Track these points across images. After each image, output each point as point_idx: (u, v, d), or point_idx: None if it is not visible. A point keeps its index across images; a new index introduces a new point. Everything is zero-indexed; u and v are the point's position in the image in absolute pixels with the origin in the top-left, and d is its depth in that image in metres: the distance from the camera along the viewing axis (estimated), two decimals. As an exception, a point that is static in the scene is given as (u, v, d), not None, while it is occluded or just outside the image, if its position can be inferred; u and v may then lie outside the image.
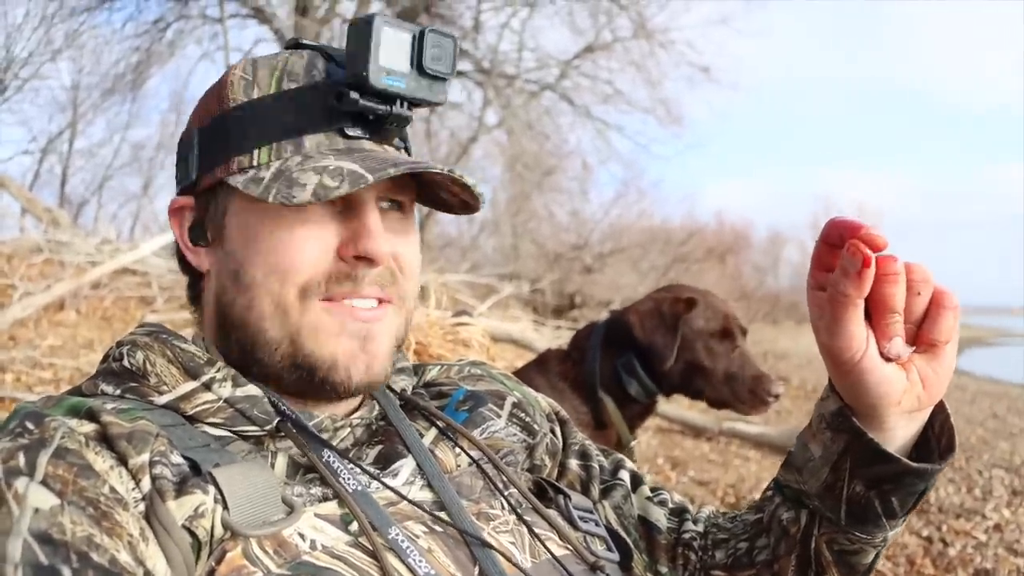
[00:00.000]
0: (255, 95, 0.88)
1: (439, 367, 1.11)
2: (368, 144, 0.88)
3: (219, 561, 0.72)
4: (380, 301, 0.89)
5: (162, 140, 17.84)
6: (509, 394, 1.08)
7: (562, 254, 17.13)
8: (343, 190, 0.80)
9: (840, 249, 0.77)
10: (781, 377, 2.47)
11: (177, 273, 0.97)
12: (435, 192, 0.94)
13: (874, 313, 0.80)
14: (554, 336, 10.19)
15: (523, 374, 2.40)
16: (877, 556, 0.94)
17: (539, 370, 2.45)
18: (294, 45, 0.93)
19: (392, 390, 0.99)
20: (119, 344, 0.90)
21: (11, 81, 14.50)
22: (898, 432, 0.86)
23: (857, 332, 0.80)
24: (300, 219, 0.85)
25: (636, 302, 2.48)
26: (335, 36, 13.78)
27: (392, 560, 0.77)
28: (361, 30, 0.84)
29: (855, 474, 0.88)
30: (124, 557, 0.67)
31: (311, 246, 0.85)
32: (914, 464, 0.84)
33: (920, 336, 0.81)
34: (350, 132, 0.87)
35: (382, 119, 0.87)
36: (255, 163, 0.86)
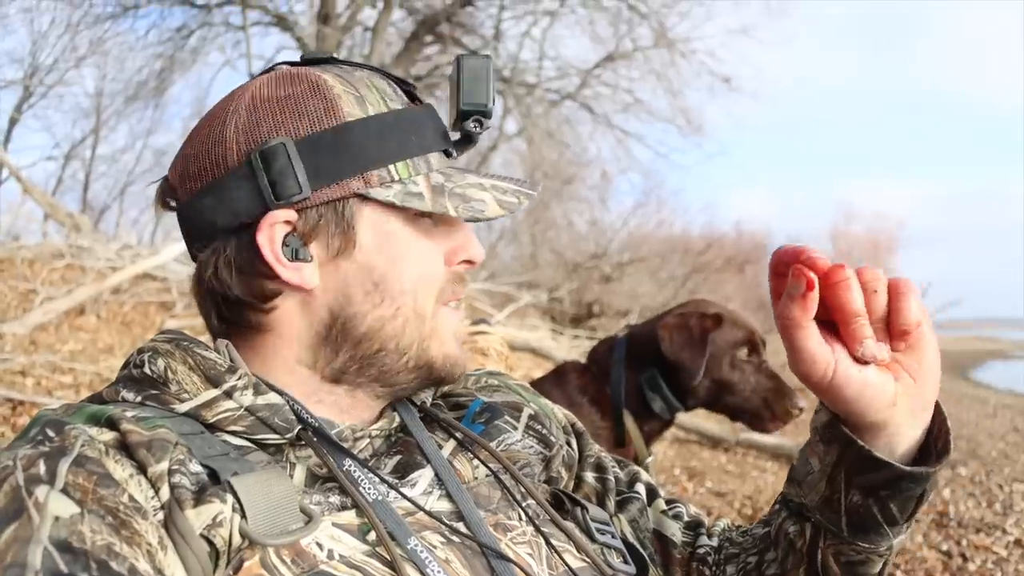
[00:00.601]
0: (370, 111, 0.89)
1: None
2: (457, 164, 0.97)
3: (237, 570, 0.72)
4: None
5: (184, 147, 17.95)
6: (526, 406, 1.08)
7: (581, 263, 17.10)
8: (524, 204, 0.93)
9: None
10: (800, 388, 2.46)
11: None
12: None
13: (840, 324, 0.82)
14: (572, 345, 10.19)
15: (540, 386, 2.39)
16: (885, 564, 0.93)
17: (557, 383, 2.45)
18: (313, 60, 0.94)
19: (412, 401, 1.00)
20: (140, 351, 0.90)
21: (36, 87, 14.69)
22: (904, 434, 0.86)
23: (819, 351, 0.81)
24: (425, 232, 0.92)
25: (660, 317, 2.47)
26: (356, 44, 13.87)
27: (410, 571, 0.77)
28: (480, 68, 0.93)
29: (851, 483, 0.88)
30: (143, 566, 0.67)
31: (437, 256, 0.93)
32: (907, 468, 0.84)
33: (891, 330, 0.83)
34: (451, 153, 0.95)
35: (469, 142, 0.96)
36: (395, 178, 0.88)
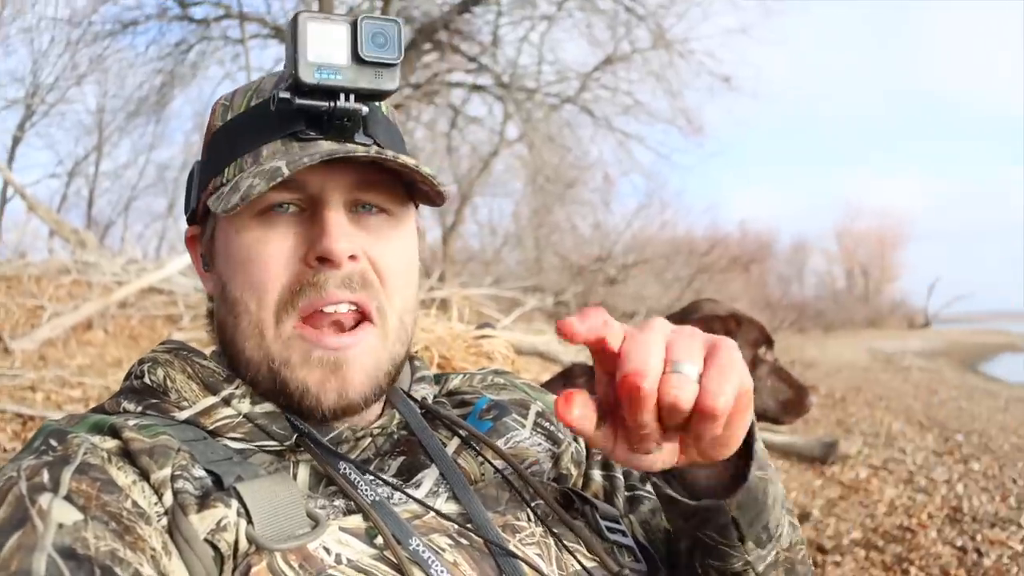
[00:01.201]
0: (229, 117, 0.90)
1: (461, 376, 1.10)
2: (325, 144, 0.86)
3: (244, 575, 0.72)
4: (359, 310, 0.86)
5: (186, 160, 17.98)
6: (533, 403, 1.07)
7: (585, 266, 17.11)
8: (259, 188, 0.79)
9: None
10: (810, 386, 2.45)
11: (203, 291, 0.98)
12: (416, 186, 0.90)
13: (623, 418, 0.70)
14: (579, 348, 10.16)
15: (549, 388, 2.36)
16: (763, 571, 0.89)
17: (566, 385, 2.41)
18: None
19: (413, 399, 0.99)
20: (140, 362, 0.91)
21: (38, 106, 14.74)
22: (698, 475, 0.83)
23: (598, 441, 0.71)
24: (267, 231, 0.85)
25: (674, 317, 2.44)
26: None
27: (416, 573, 0.77)
28: (289, 30, 0.82)
29: (670, 516, 0.90)
30: (147, 571, 0.67)
31: (277, 257, 0.85)
32: (692, 503, 0.81)
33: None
34: (304, 135, 0.86)
35: (332, 116, 0.84)
36: (223, 180, 0.87)
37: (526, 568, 0.83)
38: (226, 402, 0.86)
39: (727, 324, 2.34)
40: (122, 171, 18.40)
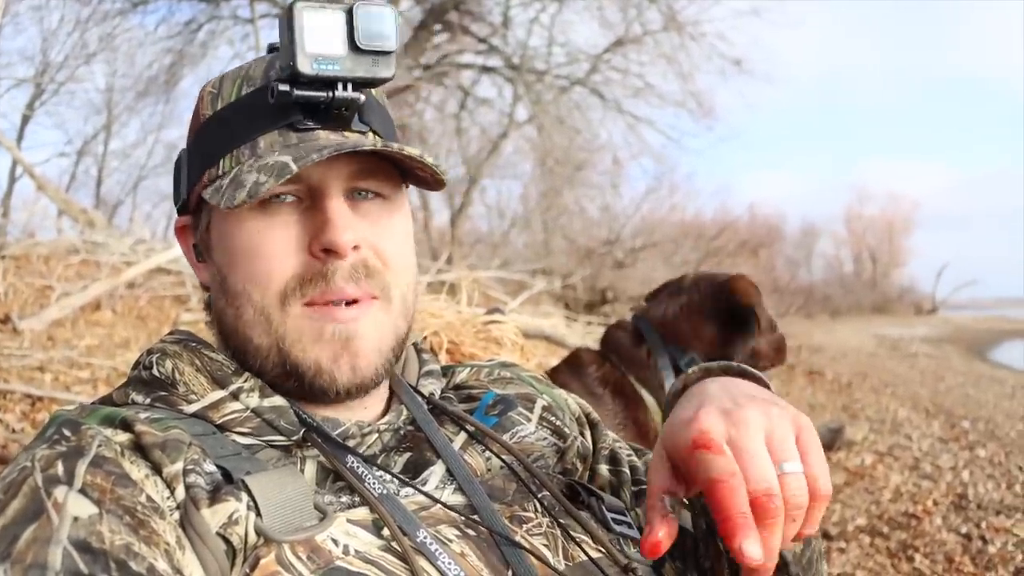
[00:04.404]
0: (219, 106, 0.90)
1: (468, 369, 1.11)
2: (323, 134, 0.86)
3: (253, 567, 0.72)
4: (363, 299, 0.87)
5: (195, 141, 18.00)
6: (539, 397, 1.07)
7: (593, 249, 17.07)
8: (268, 185, 0.80)
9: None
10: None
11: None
12: (412, 172, 0.91)
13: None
14: (586, 331, 10.16)
15: (556, 377, 2.31)
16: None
17: (574, 373, 2.35)
18: (271, 49, 0.93)
19: (420, 394, 0.99)
20: (149, 352, 0.91)
21: (47, 85, 14.73)
22: None
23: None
24: (268, 222, 0.85)
25: (672, 298, 2.38)
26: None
27: (423, 563, 0.77)
28: (284, 20, 0.81)
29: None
30: (161, 565, 0.67)
31: (281, 248, 0.85)
32: None
33: None
34: (301, 126, 0.86)
35: (329, 106, 0.84)
36: (220, 172, 0.87)
37: (532, 559, 0.84)
38: (234, 396, 0.86)
39: (750, 280, 2.34)
40: (131, 151, 18.43)
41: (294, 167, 0.79)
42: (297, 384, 0.87)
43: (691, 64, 14.90)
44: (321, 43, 0.81)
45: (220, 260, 0.89)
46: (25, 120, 15.22)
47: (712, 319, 2.31)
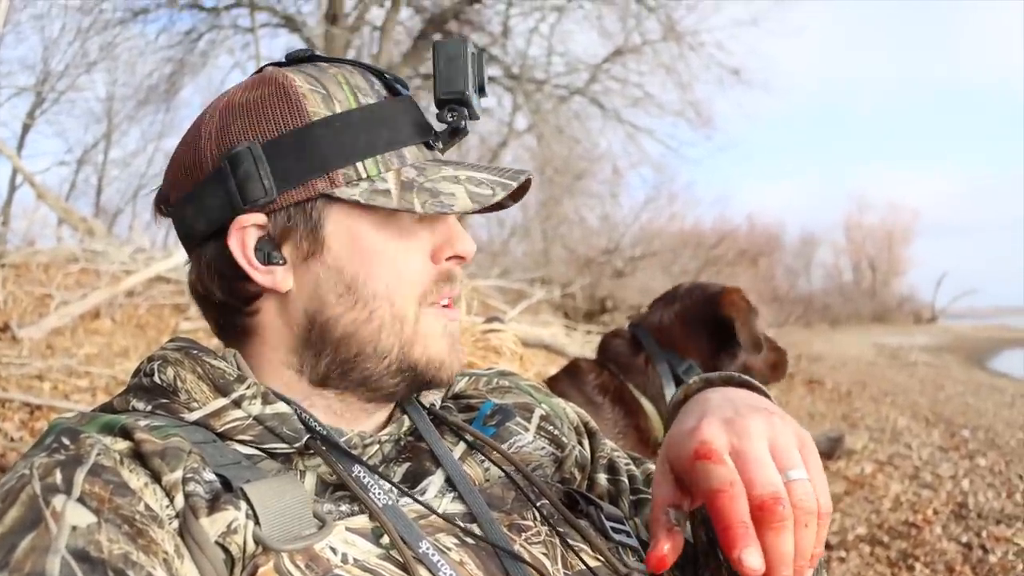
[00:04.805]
0: (337, 109, 0.88)
1: (467, 378, 1.11)
2: (441, 156, 0.94)
3: (251, 576, 0.72)
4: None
5: (196, 149, 18.00)
6: (537, 406, 1.07)
7: (593, 258, 17.08)
8: (498, 196, 0.87)
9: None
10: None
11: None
12: None
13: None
14: (585, 340, 10.17)
15: (556, 386, 2.31)
16: None
17: (573, 382, 2.34)
18: (296, 59, 0.94)
19: (421, 404, 1.00)
20: (150, 359, 0.91)
21: (48, 93, 14.76)
22: None
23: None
24: (404, 231, 0.89)
25: (672, 305, 2.39)
26: (365, 44, 13.86)
27: (424, 573, 0.77)
28: (455, 51, 0.90)
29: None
30: (160, 574, 0.67)
31: (419, 256, 0.90)
32: None
33: None
34: (432, 144, 0.92)
35: (455, 133, 0.92)
36: (363, 175, 0.86)
37: (531, 568, 0.84)
38: (236, 404, 0.86)
39: (743, 294, 2.34)
40: (131, 159, 18.48)
41: (514, 185, 0.89)
42: (406, 380, 0.91)
43: (690, 74, 14.92)
44: (469, 78, 0.91)
45: (348, 262, 0.88)
46: (26, 129, 15.27)
47: (701, 329, 2.32)
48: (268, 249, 0.87)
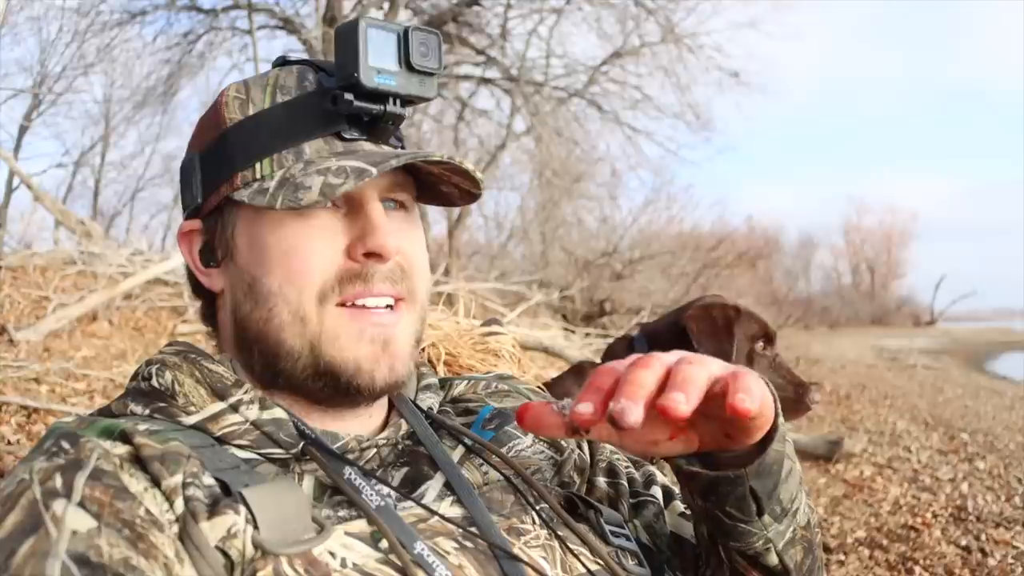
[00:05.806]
0: (251, 111, 0.90)
1: (466, 382, 1.10)
2: (366, 144, 0.90)
3: (250, 580, 0.72)
4: (395, 299, 0.90)
5: (194, 152, 18.01)
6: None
7: (591, 261, 17.06)
8: (348, 186, 0.82)
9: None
10: (814, 383, 2.44)
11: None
12: (435, 187, 0.96)
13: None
14: (584, 343, 10.17)
15: (559, 387, 2.34)
16: (779, 553, 0.90)
17: (576, 380, 2.39)
18: (282, 63, 0.95)
19: (419, 408, 0.99)
20: (148, 363, 0.91)
21: (45, 95, 14.74)
22: (719, 455, 0.84)
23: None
24: (307, 225, 0.87)
25: (677, 312, 2.42)
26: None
27: (420, 575, 0.77)
28: (348, 34, 0.86)
29: (691, 494, 0.89)
30: None
31: (321, 250, 0.87)
32: (712, 472, 0.84)
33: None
34: (347, 135, 0.89)
35: (377, 119, 0.89)
36: (258, 176, 0.88)
37: (531, 571, 0.84)
38: (234, 408, 0.86)
39: (726, 311, 2.33)
40: (128, 161, 18.44)
41: (374, 171, 0.82)
42: (330, 385, 0.88)
43: (689, 76, 14.91)
44: (381, 59, 0.87)
45: (250, 262, 0.89)
46: (23, 131, 15.22)
47: (685, 340, 2.31)
48: (207, 252, 0.93)
